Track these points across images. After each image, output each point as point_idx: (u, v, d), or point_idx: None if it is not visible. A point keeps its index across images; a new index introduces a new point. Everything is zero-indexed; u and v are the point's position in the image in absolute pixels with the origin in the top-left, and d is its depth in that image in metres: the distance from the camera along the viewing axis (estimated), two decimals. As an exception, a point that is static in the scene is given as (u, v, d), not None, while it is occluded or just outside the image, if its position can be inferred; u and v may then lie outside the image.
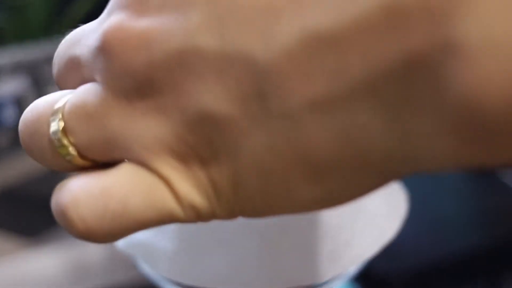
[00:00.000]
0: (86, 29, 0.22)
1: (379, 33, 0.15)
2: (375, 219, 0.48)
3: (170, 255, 0.45)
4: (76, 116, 0.21)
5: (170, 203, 0.20)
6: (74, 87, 0.23)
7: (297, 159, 0.18)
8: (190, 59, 0.18)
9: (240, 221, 0.45)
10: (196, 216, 0.21)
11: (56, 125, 0.21)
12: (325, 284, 0.48)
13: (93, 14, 0.96)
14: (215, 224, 0.45)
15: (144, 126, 0.20)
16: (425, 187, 1.05)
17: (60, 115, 0.21)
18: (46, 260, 0.84)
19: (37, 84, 0.85)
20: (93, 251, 0.85)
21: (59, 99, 0.22)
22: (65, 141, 0.21)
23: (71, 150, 0.21)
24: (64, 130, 0.21)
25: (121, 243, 0.48)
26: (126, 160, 0.21)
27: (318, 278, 0.46)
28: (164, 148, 0.20)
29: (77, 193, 0.21)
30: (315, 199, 0.19)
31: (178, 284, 0.48)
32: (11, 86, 0.84)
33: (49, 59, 0.86)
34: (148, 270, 0.49)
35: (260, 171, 0.19)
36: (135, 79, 0.19)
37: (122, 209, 0.20)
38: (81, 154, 0.21)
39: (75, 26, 0.95)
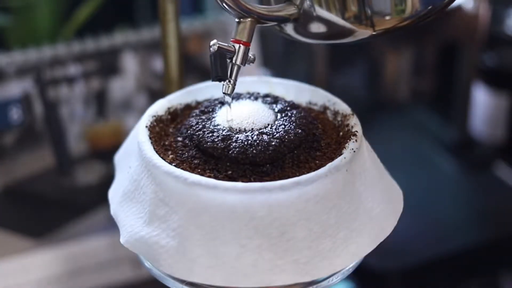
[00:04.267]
0: None
1: None
2: (372, 217, 0.49)
3: (173, 252, 0.46)
4: None
5: None
6: None
7: None
8: None
9: (242, 221, 0.45)
10: None
11: None
12: (324, 281, 0.49)
13: (96, 18, 0.97)
14: (217, 223, 0.46)
15: None
16: (422, 185, 1.06)
17: None
18: (50, 259, 0.85)
19: (41, 85, 0.86)
20: (96, 250, 0.86)
21: None
22: None
23: None
24: None
25: (123, 240, 0.49)
26: None
27: (317, 275, 0.47)
28: None
29: None
30: None
31: (180, 281, 0.49)
32: (17, 86, 0.84)
33: (53, 62, 0.86)
34: (151, 267, 0.50)
35: None
36: None
37: None
38: None
39: (79, 30, 0.95)
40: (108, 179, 0.59)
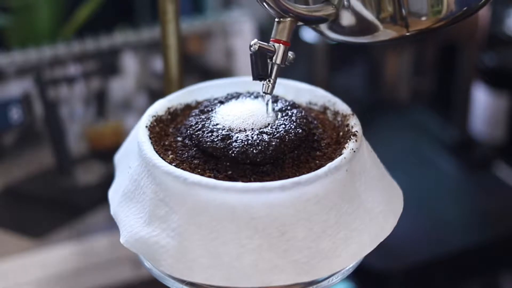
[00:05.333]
0: None
1: None
2: (372, 217, 0.49)
3: (173, 252, 0.46)
4: None
5: None
6: None
7: None
8: None
9: (242, 221, 0.45)
10: None
11: None
12: (324, 281, 0.49)
13: (96, 18, 0.97)
14: (217, 223, 0.46)
15: None
16: (422, 185, 1.06)
17: None
18: (50, 259, 0.85)
19: (41, 85, 0.86)
20: (96, 250, 0.86)
21: None
22: None
23: None
24: None
25: (123, 240, 0.49)
26: None
27: (317, 275, 0.47)
28: None
29: None
30: None
31: (180, 281, 0.49)
32: (17, 86, 0.84)
33: (53, 62, 0.86)
34: (151, 267, 0.50)
35: None
36: None
37: None
38: None
39: (79, 30, 0.95)
40: (108, 179, 0.59)
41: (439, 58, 1.28)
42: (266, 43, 0.50)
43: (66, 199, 0.89)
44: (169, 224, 0.47)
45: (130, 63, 0.90)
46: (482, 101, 1.17)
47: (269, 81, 0.51)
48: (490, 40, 1.16)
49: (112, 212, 0.52)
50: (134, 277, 0.88)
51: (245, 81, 0.58)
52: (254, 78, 0.50)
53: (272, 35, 0.51)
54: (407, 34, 0.50)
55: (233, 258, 0.45)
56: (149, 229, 0.48)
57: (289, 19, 0.50)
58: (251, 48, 0.49)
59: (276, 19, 0.51)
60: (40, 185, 0.87)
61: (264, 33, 0.98)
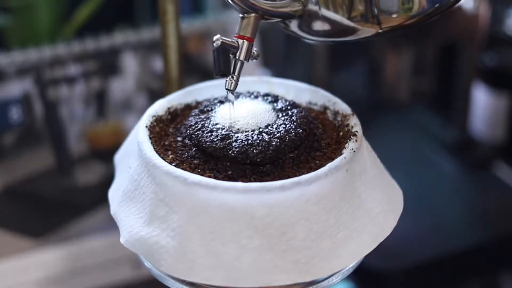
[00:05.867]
0: None
1: None
2: (372, 217, 0.49)
3: (173, 252, 0.46)
4: None
5: None
6: None
7: None
8: None
9: (242, 221, 0.45)
10: None
11: None
12: (324, 281, 0.49)
13: (96, 18, 0.97)
14: (217, 223, 0.46)
15: None
16: (422, 185, 1.06)
17: None
18: (50, 259, 0.85)
19: (41, 85, 0.86)
20: (96, 250, 0.86)
21: None
22: None
23: None
24: None
25: (123, 240, 0.49)
26: None
27: (317, 275, 0.47)
28: None
29: None
30: None
31: (180, 281, 0.49)
32: (17, 86, 0.84)
33: (53, 62, 0.86)
34: (151, 267, 0.50)
35: None
36: None
37: None
38: None
39: (79, 30, 0.95)
40: (108, 179, 0.59)
41: (439, 58, 1.28)
42: (229, 39, 0.50)
43: (66, 199, 0.88)
44: (169, 224, 0.47)
45: (130, 63, 0.90)
46: (482, 101, 1.17)
47: (232, 77, 0.50)
48: (490, 40, 1.16)
49: (112, 212, 0.52)
50: (134, 277, 0.88)
51: (245, 81, 0.58)
52: (216, 75, 0.50)
53: (236, 31, 0.50)
54: (380, 31, 0.50)
55: (233, 258, 0.45)
56: (149, 229, 0.48)
57: (253, 15, 0.50)
58: (214, 44, 0.49)
59: (240, 15, 0.50)
60: (40, 185, 0.87)
61: (263, 33, 0.98)
